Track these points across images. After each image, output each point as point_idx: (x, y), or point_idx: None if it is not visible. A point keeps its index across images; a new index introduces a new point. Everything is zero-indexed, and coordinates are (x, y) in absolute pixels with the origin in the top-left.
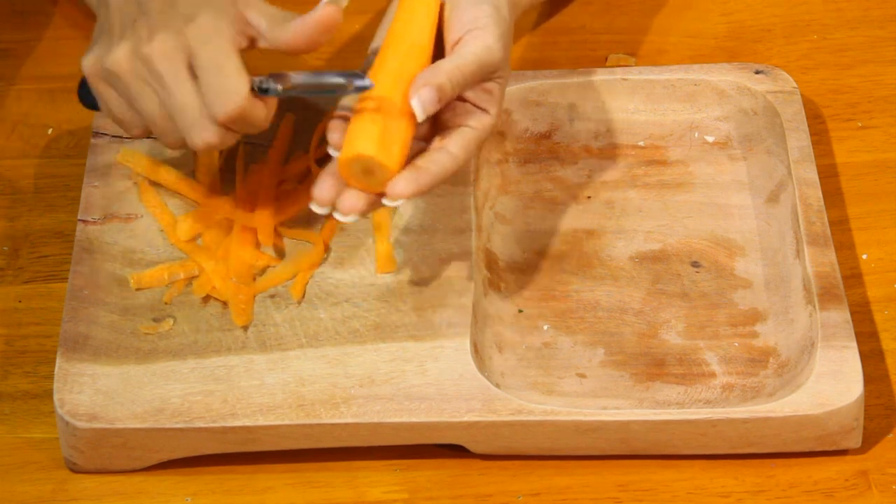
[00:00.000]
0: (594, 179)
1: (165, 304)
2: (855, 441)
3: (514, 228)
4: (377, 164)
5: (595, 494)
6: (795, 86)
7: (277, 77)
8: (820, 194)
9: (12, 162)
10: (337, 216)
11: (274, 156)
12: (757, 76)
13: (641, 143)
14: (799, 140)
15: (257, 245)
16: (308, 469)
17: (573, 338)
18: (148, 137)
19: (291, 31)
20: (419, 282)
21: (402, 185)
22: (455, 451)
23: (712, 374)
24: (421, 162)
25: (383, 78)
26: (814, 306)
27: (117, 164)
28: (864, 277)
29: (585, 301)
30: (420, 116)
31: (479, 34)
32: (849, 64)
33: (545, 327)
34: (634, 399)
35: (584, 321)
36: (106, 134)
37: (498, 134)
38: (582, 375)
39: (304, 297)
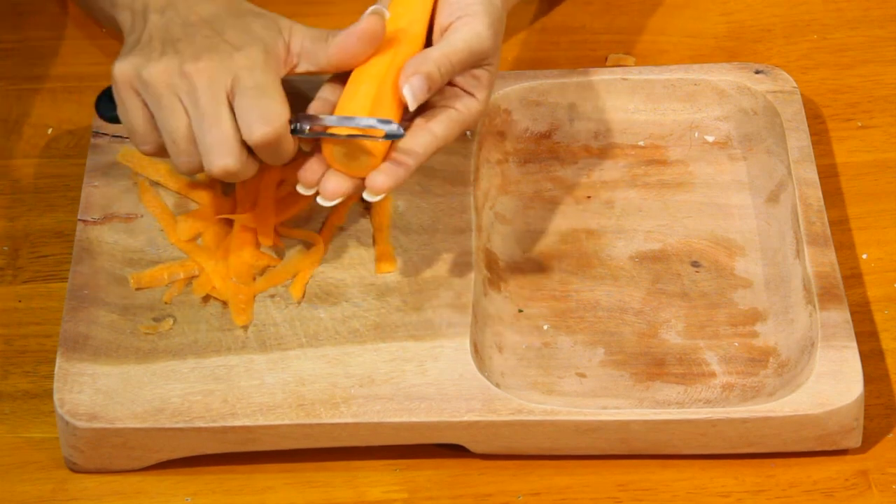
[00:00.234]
0: (594, 179)
1: (165, 303)
2: (855, 441)
3: (514, 228)
4: (360, 150)
5: (595, 494)
6: (795, 86)
7: (308, 118)
8: (820, 194)
9: (12, 162)
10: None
11: None
12: (757, 76)
13: (641, 143)
14: (799, 140)
15: (257, 245)
16: (308, 469)
17: (573, 337)
18: (158, 156)
19: (335, 45)
20: (419, 282)
21: (381, 178)
22: (455, 450)
23: (712, 374)
24: (402, 147)
25: (374, 62)
26: (814, 306)
27: (117, 164)
28: (864, 277)
29: (585, 301)
30: (412, 105)
31: (469, 21)
32: (849, 64)
33: (545, 327)
34: (634, 399)
35: (584, 321)
36: (106, 134)
37: (498, 134)
38: (582, 375)
39: (303, 296)
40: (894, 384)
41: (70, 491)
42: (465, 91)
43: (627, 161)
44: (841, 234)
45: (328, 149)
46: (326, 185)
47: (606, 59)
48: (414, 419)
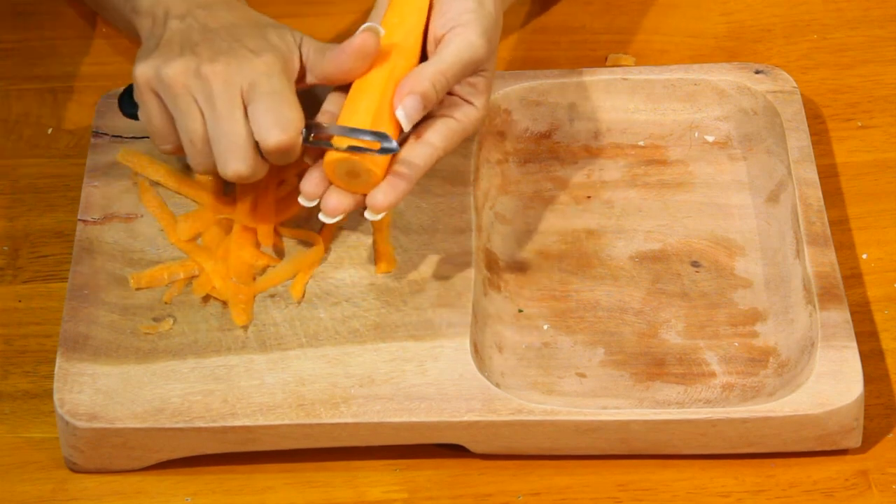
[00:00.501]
0: (594, 179)
1: (165, 303)
2: (855, 441)
3: (514, 228)
4: (362, 168)
5: (595, 494)
6: (795, 86)
7: (313, 127)
8: (820, 194)
9: (12, 162)
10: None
11: None
12: (757, 76)
13: (641, 143)
14: (799, 140)
15: (257, 245)
16: (308, 469)
17: (573, 337)
18: (176, 155)
19: (328, 60)
20: (419, 282)
21: (381, 196)
22: (455, 450)
23: (712, 374)
24: (402, 161)
25: (373, 75)
26: (814, 306)
27: (117, 164)
28: (864, 277)
29: (585, 301)
30: (406, 127)
31: (461, 31)
32: (849, 64)
33: (545, 327)
34: (634, 399)
35: (584, 321)
36: (106, 134)
37: (498, 134)
38: (582, 375)
39: (303, 296)
40: (894, 384)
41: (70, 491)
42: (463, 99)
43: (627, 161)
44: (841, 234)
45: (330, 166)
46: (328, 202)
47: (606, 59)
48: (414, 419)
